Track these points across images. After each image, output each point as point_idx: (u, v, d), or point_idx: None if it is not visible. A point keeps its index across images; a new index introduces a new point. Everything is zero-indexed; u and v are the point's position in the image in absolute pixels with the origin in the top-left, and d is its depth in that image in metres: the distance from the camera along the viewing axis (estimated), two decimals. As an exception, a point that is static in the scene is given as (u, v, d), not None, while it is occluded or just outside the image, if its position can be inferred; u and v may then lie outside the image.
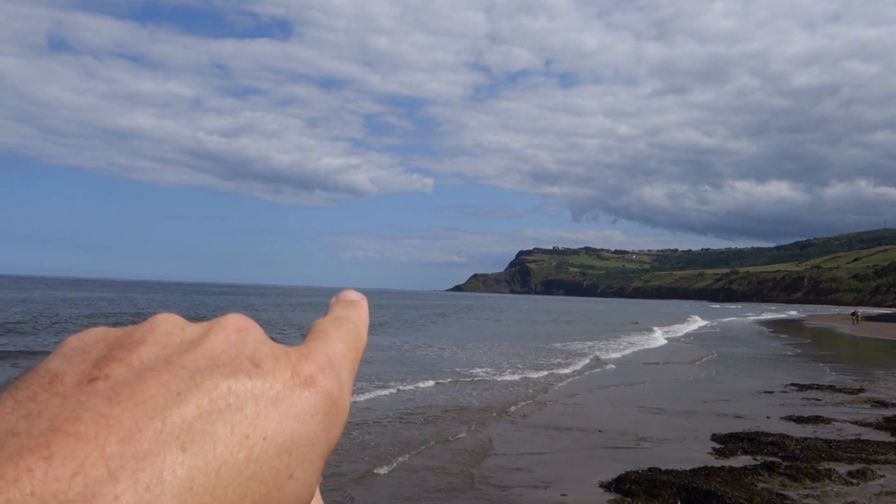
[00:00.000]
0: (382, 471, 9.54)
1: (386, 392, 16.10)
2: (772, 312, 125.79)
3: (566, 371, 21.85)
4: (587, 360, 25.33)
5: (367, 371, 19.98)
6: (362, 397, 15.14)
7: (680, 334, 47.39)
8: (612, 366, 24.53)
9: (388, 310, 74.67)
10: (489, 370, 21.47)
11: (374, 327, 40.16)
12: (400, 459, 10.13)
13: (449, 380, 18.67)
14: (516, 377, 19.98)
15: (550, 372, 21.06)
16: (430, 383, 17.77)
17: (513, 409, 14.86)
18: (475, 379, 19.40)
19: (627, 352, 30.54)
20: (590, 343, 34.77)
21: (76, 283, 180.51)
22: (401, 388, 16.82)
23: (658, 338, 41.61)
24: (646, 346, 34.33)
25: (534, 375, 20.14)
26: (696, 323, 64.17)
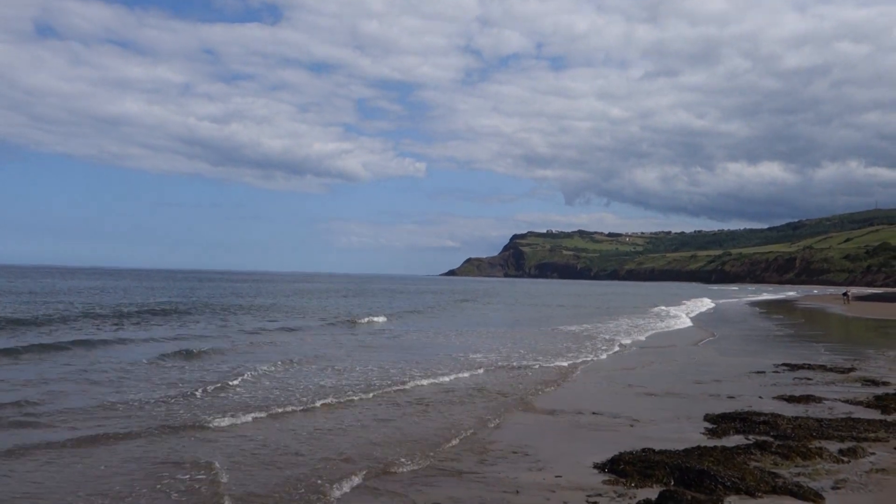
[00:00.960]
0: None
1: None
2: (767, 293, 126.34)
3: (595, 357, 21.85)
4: (619, 345, 25.63)
5: (409, 357, 20.04)
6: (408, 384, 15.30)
7: (694, 314, 47.93)
8: (635, 348, 24.72)
9: (406, 296, 75.01)
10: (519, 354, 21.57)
11: (407, 314, 39.96)
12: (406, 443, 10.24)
13: (482, 370, 18.13)
14: (550, 363, 19.89)
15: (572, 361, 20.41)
16: (480, 371, 17.74)
17: (516, 394, 14.95)
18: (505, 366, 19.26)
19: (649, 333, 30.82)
20: (616, 324, 35.41)
21: (68, 271, 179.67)
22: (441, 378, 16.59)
23: (681, 318, 42.67)
24: (671, 328, 35.22)
25: (564, 363, 19.81)
26: (701, 305, 64.53)
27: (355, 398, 13.56)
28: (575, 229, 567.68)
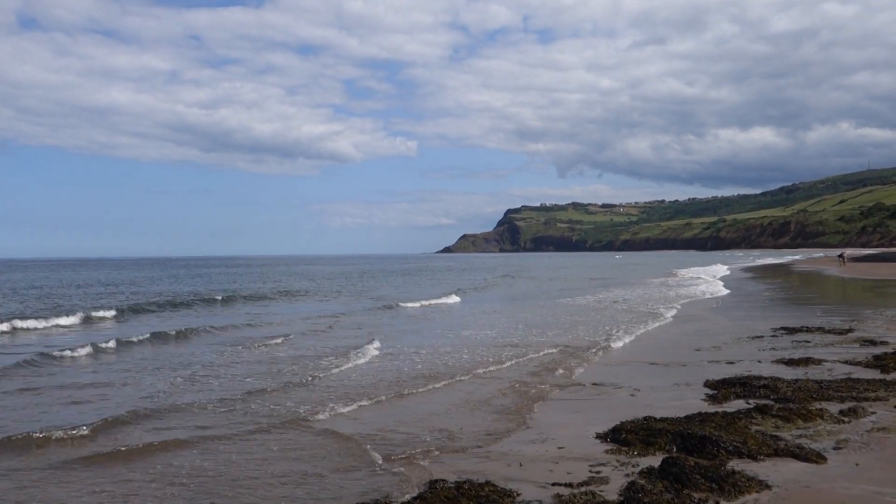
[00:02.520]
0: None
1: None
2: (765, 258, 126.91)
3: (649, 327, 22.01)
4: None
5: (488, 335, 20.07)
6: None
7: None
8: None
9: (452, 273, 75.97)
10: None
11: (471, 291, 40.51)
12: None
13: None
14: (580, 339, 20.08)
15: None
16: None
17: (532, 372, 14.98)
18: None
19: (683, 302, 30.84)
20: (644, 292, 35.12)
21: (62, 263, 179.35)
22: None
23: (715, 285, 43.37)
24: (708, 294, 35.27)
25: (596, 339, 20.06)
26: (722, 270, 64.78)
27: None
28: (569, 202, 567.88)
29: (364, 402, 11.48)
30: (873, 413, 9.75)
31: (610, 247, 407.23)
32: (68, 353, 16.71)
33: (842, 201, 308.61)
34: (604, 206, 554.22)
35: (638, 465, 7.84)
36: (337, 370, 14.44)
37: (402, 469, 8.08)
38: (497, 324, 23.51)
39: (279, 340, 19.26)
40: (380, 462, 8.34)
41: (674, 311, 26.75)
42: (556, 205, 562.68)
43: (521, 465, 8.11)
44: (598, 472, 7.71)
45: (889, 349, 15.15)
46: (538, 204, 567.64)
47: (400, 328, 23.03)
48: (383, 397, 11.89)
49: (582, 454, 8.45)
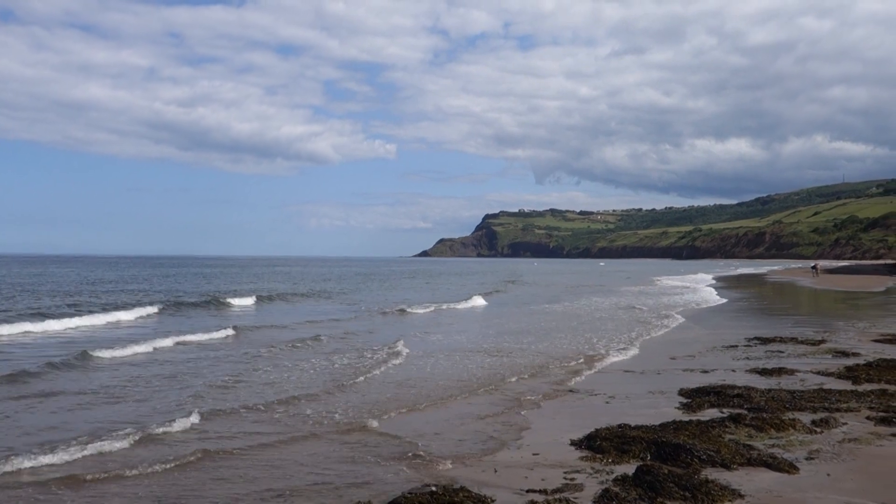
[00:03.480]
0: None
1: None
2: (745, 267, 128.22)
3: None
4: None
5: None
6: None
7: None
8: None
9: (452, 277, 75.87)
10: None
11: (496, 294, 40.71)
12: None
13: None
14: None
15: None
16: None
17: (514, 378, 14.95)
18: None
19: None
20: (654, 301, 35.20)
21: (37, 259, 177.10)
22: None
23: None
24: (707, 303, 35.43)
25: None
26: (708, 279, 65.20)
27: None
28: (547, 208, 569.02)
29: (366, 415, 11.39)
30: (845, 424, 9.84)
31: (587, 254, 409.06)
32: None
33: (816, 213, 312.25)
34: (581, 213, 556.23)
35: (612, 473, 7.84)
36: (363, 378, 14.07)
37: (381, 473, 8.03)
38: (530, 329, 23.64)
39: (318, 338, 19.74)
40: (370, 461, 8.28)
41: (680, 320, 26.72)
42: (534, 211, 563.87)
43: (495, 472, 8.08)
44: (572, 479, 7.70)
45: (861, 360, 15.32)
46: (516, 210, 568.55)
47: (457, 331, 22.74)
48: (393, 413, 11.22)
49: (557, 461, 8.44)
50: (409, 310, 30.13)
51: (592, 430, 9.44)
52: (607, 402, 11.76)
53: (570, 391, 12.76)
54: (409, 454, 8.76)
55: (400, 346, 17.91)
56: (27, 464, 8.14)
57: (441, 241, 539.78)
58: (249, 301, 35.61)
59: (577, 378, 14.12)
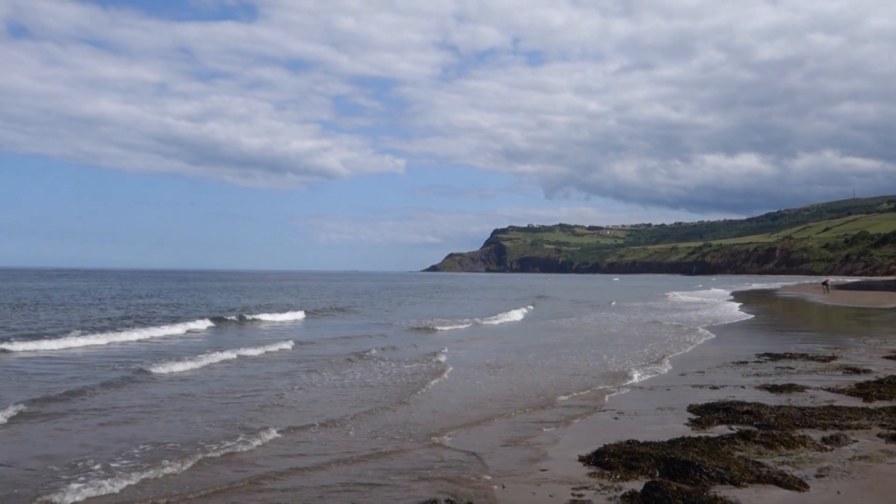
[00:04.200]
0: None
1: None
2: (750, 283, 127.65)
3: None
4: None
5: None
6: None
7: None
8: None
9: (478, 292, 76.41)
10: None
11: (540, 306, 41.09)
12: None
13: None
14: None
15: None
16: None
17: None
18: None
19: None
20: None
21: (47, 273, 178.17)
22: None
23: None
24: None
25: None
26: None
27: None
28: (556, 223, 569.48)
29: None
30: (855, 441, 9.77)
31: (596, 269, 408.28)
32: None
33: (826, 229, 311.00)
34: (590, 228, 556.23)
35: (621, 489, 7.81)
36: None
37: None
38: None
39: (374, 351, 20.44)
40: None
41: (713, 335, 26.63)
42: (543, 226, 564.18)
43: (503, 487, 8.05)
44: (580, 496, 7.67)
45: (871, 377, 15.22)
46: (525, 224, 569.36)
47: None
48: (409, 442, 11.75)
49: (565, 476, 8.40)
50: (440, 328, 29.85)
51: (601, 445, 9.41)
52: (616, 419, 11.71)
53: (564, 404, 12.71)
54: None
55: (443, 359, 18.81)
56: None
57: (450, 255, 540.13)
58: (300, 315, 36.28)
59: (605, 396, 14.07)
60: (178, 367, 16.54)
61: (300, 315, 36.35)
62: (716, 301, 55.39)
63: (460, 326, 30.92)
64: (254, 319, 33.56)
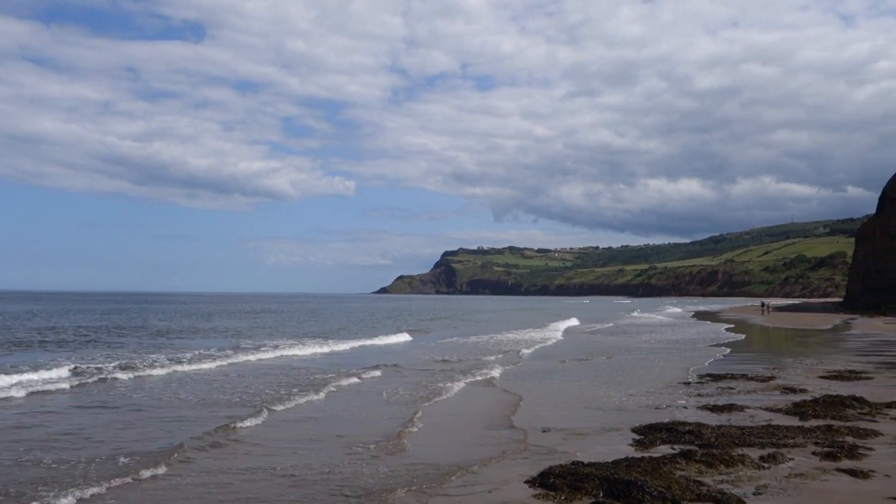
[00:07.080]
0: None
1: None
2: (698, 305, 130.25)
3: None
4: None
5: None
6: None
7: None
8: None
9: (465, 314, 75.85)
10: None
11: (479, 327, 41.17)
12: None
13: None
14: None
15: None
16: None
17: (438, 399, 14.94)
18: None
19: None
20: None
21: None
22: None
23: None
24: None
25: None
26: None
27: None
28: (505, 245, 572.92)
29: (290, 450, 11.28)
30: (791, 459, 10.06)
31: (545, 291, 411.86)
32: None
33: (766, 252, 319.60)
34: (539, 250, 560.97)
35: (565, 510, 7.89)
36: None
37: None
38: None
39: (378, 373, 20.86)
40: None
41: (726, 350, 27.90)
42: (492, 248, 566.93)
43: (449, 510, 8.07)
44: (525, 517, 7.74)
45: (807, 397, 15.68)
46: (475, 247, 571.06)
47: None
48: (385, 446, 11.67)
49: (511, 498, 8.46)
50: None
51: (546, 467, 9.50)
52: (562, 439, 11.82)
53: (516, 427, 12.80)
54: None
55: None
56: None
57: (400, 277, 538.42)
58: (406, 337, 37.98)
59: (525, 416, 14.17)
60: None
61: (406, 337, 38.27)
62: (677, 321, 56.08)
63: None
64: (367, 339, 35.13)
